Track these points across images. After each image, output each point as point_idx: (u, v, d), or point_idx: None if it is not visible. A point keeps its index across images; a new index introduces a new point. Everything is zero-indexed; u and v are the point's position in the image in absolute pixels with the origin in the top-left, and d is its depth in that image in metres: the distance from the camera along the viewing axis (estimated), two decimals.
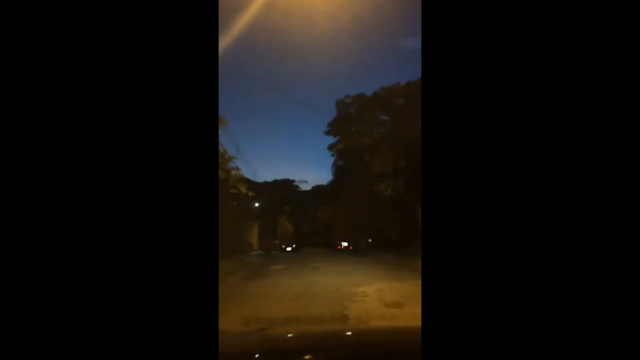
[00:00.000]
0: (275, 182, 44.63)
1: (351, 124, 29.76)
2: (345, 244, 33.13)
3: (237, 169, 16.92)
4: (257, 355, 1.27)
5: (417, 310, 3.76)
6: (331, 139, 31.33)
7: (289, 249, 34.86)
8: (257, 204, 34.04)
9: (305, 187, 49.25)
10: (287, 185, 45.84)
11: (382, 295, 6.66)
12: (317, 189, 47.07)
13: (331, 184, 37.62)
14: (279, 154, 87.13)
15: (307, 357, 1.27)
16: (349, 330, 2.07)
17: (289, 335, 1.69)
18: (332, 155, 33.15)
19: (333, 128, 30.83)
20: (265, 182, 42.39)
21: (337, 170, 33.23)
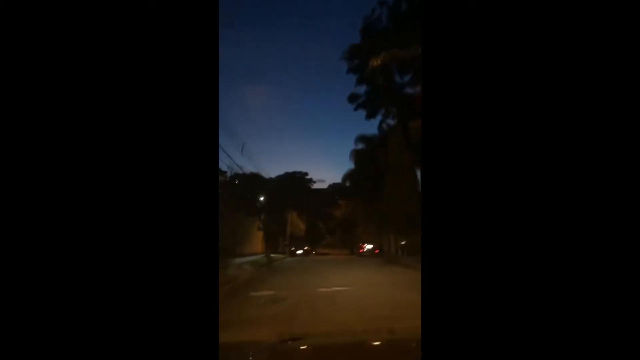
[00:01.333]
0: (287, 174, 38.46)
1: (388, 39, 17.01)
2: (369, 246, 26.81)
3: None
4: None
5: None
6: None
7: (299, 252, 28.83)
8: (261, 198, 28.31)
9: (321, 185, 43.45)
10: (299, 180, 39.78)
11: None
12: (335, 186, 41.09)
13: (352, 174, 31.45)
14: (290, 149, 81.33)
15: None
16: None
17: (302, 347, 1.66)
18: (354, 103, 18.52)
19: (357, 49, 18.21)
20: (278, 176, 36.57)
21: (359, 155, 26.98)
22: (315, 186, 43.77)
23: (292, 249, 28.97)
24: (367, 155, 25.58)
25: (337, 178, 50.21)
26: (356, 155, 27.32)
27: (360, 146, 27.12)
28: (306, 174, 42.54)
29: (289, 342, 1.63)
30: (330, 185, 45.85)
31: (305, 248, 29.63)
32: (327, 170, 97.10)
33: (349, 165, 33.34)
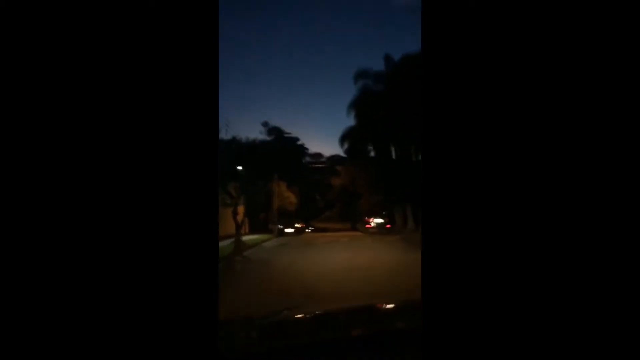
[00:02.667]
0: (273, 137, 31.98)
1: None
2: (378, 220, 20.86)
3: None
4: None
5: None
6: None
7: (289, 230, 23.01)
8: (239, 168, 22.34)
9: (318, 158, 37.15)
10: (287, 144, 33.18)
11: None
12: (334, 158, 34.96)
13: (351, 133, 25.32)
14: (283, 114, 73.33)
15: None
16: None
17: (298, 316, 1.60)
18: None
19: None
20: (262, 141, 29.97)
21: (361, 103, 20.65)
22: (311, 159, 37.75)
23: (280, 227, 23.10)
24: (372, 99, 19.23)
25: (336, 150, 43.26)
26: (357, 104, 21.03)
27: (362, 84, 20.35)
28: (297, 139, 35.86)
29: (284, 312, 1.56)
30: (328, 158, 39.82)
31: (297, 225, 23.74)
32: (325, 144, 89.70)
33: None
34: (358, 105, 20.72)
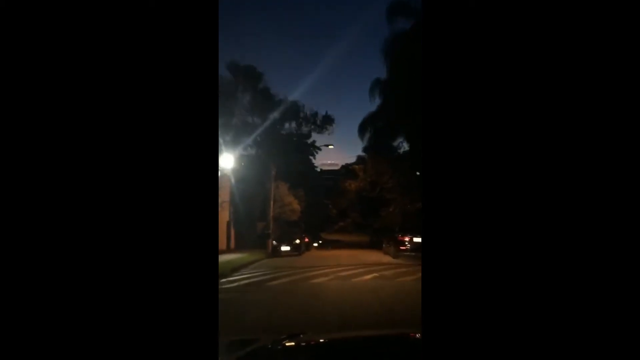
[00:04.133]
0: (259, 85, 25.02)
1: None
2: (418, 239, 14.01)
3: None
4: None
5: None
6: None
7: (285, 248, 16.39)
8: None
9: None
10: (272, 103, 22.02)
11: None
12: (348, 167, 28.47)
13: (374, 117, 18.81)
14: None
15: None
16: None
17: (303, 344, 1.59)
18: None
19: None
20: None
21: (399, 58, 14.00)
22: (324, 167, 31.15)
23: (274, 243, 16.60)
24: (413, 55, 12.39)
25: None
26: (389, 62, 14.39)
27: (399, 28, 13.18)
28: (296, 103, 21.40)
29: (286, 340, 1.53)
30: (342, 167, 33.40)
31: (298, 241, 17.21)
32: (337, 153, 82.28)
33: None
34: (391, 64, 14.02)
